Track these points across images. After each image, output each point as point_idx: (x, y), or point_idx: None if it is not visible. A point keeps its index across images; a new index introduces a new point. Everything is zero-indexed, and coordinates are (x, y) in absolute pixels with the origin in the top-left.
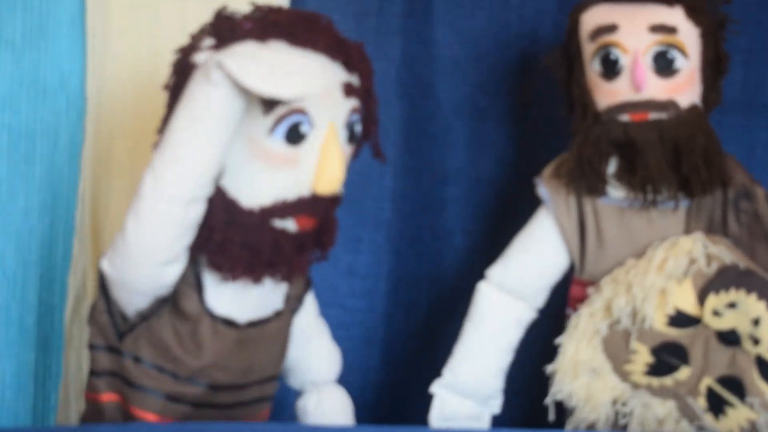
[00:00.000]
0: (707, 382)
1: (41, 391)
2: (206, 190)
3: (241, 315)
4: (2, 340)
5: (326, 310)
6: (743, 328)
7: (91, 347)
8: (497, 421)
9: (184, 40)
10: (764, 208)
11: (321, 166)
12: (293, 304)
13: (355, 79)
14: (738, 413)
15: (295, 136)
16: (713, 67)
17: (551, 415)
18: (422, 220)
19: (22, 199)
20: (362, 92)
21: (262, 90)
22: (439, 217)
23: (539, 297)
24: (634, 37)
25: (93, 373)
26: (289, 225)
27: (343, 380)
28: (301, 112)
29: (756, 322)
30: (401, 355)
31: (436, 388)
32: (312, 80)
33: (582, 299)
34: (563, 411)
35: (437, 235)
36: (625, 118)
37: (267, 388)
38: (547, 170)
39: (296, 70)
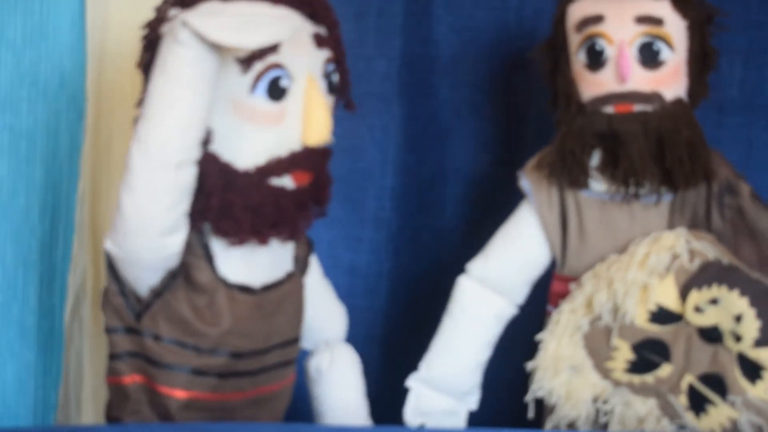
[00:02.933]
0: (689, 379)
1: (41, 391)
2: (193, 153)
3: (256, 280)
4: (3, 340)
5: None
6: (725, 324)
7: (109, 331)
8: (477, 418)
9: None
10: (748, 204)
11: (307, 117)
12: (301, 265)
13: (323, 30)
14: (719, 412)
15: (276, 91)
16: (700, 61)
17: (531, 413)
18: (422, 219)
19: (23, 198)
20: (332, 42)
21: (228, 41)
22: (439, 216)
23: (520, 292)
24: (620, 28)
25: (113, 356)
26: (287, 182)
27: None
28: (278, 66)
29: (738, 318)
30: (401, 353)
31: (412, 382)
32: (276, 28)
33: (563, 295)
34: (542, 409)
35: (437, 234)
36: (609, 109)
37: (289, 352)
38: (530, 163)
39: (261, 20)
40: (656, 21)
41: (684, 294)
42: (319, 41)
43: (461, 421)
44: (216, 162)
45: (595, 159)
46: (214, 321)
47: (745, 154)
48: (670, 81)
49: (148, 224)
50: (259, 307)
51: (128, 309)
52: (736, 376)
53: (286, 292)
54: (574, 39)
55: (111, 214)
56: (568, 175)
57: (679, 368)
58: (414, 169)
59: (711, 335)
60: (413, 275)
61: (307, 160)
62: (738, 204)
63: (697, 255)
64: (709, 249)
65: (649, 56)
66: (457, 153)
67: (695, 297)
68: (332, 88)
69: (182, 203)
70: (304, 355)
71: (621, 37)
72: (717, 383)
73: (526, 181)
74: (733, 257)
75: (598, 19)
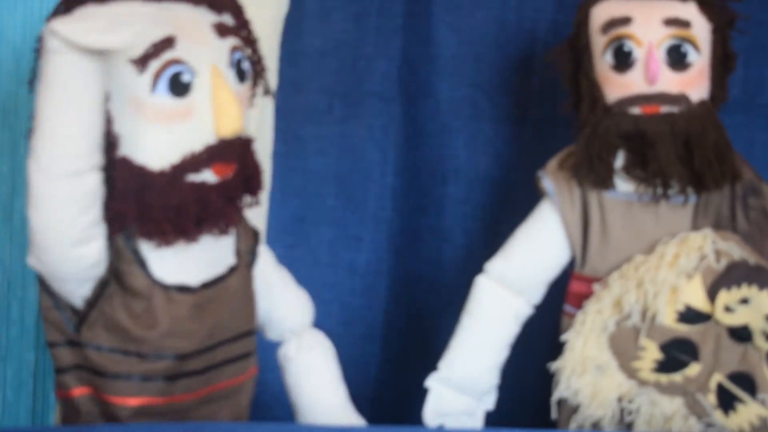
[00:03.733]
0: (717, 378)
1: (41, 391)
2: (90, 160)
3: (193, 278)
4: (3, 339)
5: (327, 307)
6: (756, 324)
7: (51, 345)
8: (491, 417)
9: None
10: None
11: (216, 109)
12: (246, 258)
13: (227, 19)
14: (749, 410)
15: (179, 87)
16: (722, 64)
17: (554, 413)
18: (422, 219)
19: (23, 198)
20: (239, 30)
21: (91, 44)
22: (438, 216)
23: (538, 292)
24: (648, 30)
25: (59, 371)
26: (208, 176)
27: (343, 376)
28: (177, 62)
29: None
30: (401, 352)
31: (432, 382)
32: (139, 25)
33: (584, 295)
34: (558, 409)
35: (437, 234)
36: (636, 110)
37: (240, 346)
38: (552, 163)
39: (130, 20)
40: (684, 23)
41: (711, 294)
42: (221, 30)
43: (478, 421)
44: (128, 166)
45: (619, 160)
46: (151, 325)
47: (745, 154)
48: (696, 83)
49: (56, 237)
50: (199, 306)
51: (66, 322)
52: (766, 374)
53: (229, 286)
54: (599, 41)
55: None
56: (595, 176)
57: (708, 367)
58: (414, 169)
59: (741, 335)
60: (413, 275)
61: (225, 151)
62: (762, 205)
63: (723, 255)
64: (734, 249)
65: (677, 58)
66: (457, 153)
67: (725, 297)
68: (243, 76)
69: (89, 212)
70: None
71: (649, 38)
72: (746, 382)
73: (548, 181)
74: (759, 257)
75: (625, 20)
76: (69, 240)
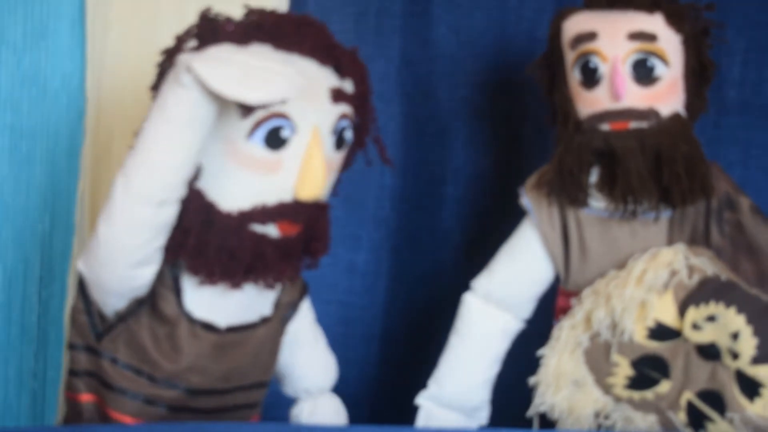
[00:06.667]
0: (687, 396)
1: (41, 390)
2: (177, 193)
3: (222, 320)
4: (4, 339)
5: (326, 307)
6: (723, 341)
7: (71, 347)
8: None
9: None
10: (748, 219)
11: (303, 171)
12: (286, 310)
13: (347, 85)
14: (718, 428)
15: (275, 140)
16: (697, 74)
17: (535, 426)
18: (421, 219)
19: (24, 198)
20: (355, 98)
21: (229, 94)
22: (437, 215)
23: (525, 308)
24: (613, 45)
25: (72, 372)
26: (271, 230)
27: (343, 375)
28: (281, 116)
29: (735, 336)
30: (399, 351)
31: (422, 400)
32: (279, 87)
33: (567, 310)
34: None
35: (435, 234)
36: (605, 127)
37: (253, 395)
38: (530, 181)
39: (266, 75)
40: (649, 37)
41: (682, 310)
42: (336, 96)
43: None
44: (200, 199)
45: (594, 176)
46: (171, 354)
47: (744, 154)
48: (666, 97)
49: (120, 255)
50: (220, 347)
51: (91, 329)
52: (734, 393)
53: (256, 335)
54: (569, 56)
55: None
56: (567, 194)
57: (678, 385)
58: (413, 169)
59: (709, 352)
60: (411, 274)
61: (295, 212)
62: (737, 219)
63: (695, 271)
64: (707, 265)
65: (644, 73)
66: (457, 153)
67: (693, 314)
68: (341, 144)
69: (158, 239)
70: (291, 401)
71: (614, 54)
72: (716, 400)
73: (526, 199)
74: (732, 273)
75: (591, 36)
76: (132, 261)
